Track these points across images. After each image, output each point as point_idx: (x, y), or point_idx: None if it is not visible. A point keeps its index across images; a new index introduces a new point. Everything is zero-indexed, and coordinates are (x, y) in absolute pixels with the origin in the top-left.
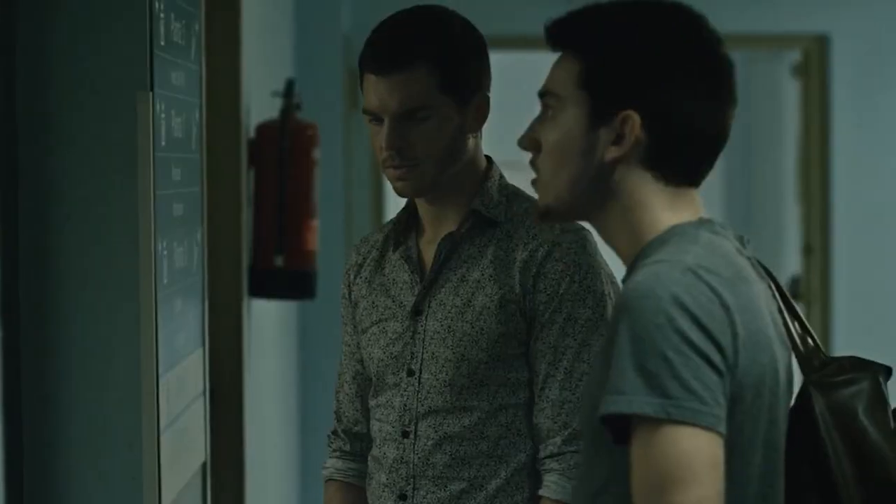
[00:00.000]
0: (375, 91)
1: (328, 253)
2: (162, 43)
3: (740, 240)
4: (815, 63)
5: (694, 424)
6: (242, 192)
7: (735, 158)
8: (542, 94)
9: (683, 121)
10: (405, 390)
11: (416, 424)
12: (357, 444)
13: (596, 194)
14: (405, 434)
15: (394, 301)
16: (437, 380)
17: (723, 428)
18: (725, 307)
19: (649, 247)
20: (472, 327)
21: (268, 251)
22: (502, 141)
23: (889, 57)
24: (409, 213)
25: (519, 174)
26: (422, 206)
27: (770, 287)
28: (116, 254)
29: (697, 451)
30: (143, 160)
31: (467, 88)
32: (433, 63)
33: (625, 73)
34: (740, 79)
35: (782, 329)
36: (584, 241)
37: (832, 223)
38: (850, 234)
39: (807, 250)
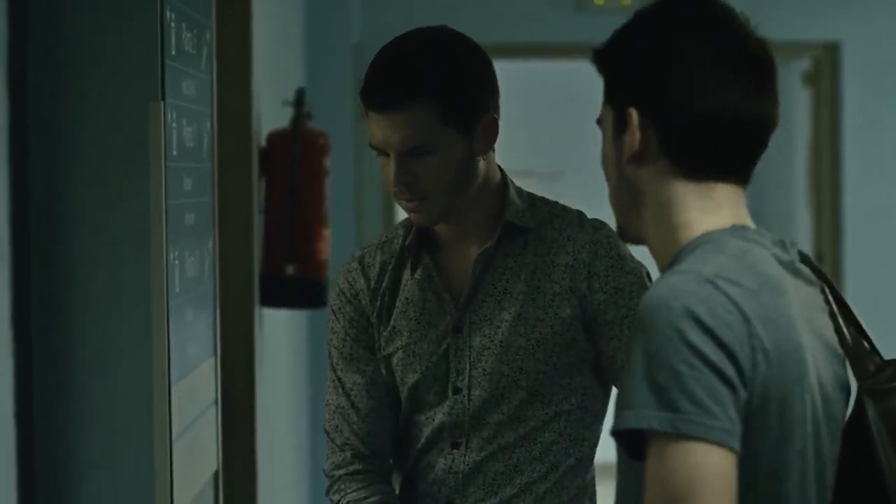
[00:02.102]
0: (378, 128)
1: (339, 262)
2: (173, 52)
3: (781, 244)
4: (825, 71)
5: (703, 439)
6: (253, 201)
7: None
8: (598, 122)
9: (685, 107)
10: (452, 407)
11: (467, 437)
12: (387, 462)
13: (632, 202)
14: (455, 445)
15: (419, 322)
16: (493, 395)
17: (735, 443)
18: (745, 319)
19: (679, 255)
20: (528, 340)
21: (279, 260)
22: (515, 150)
23: None
24: (418, 235)
25: (530, 180)
26: (441, 227)
27: (824, 291)
28: (128, 263)
29: (706, 467)
30: (154, 170)
31: (471, 116)
32: (434, 98)
33: (623, 72)
34: None
35: (831, 335)
36: (616, 235)
37: (843, 231)
38: (860, 241)
39: (818, 258)
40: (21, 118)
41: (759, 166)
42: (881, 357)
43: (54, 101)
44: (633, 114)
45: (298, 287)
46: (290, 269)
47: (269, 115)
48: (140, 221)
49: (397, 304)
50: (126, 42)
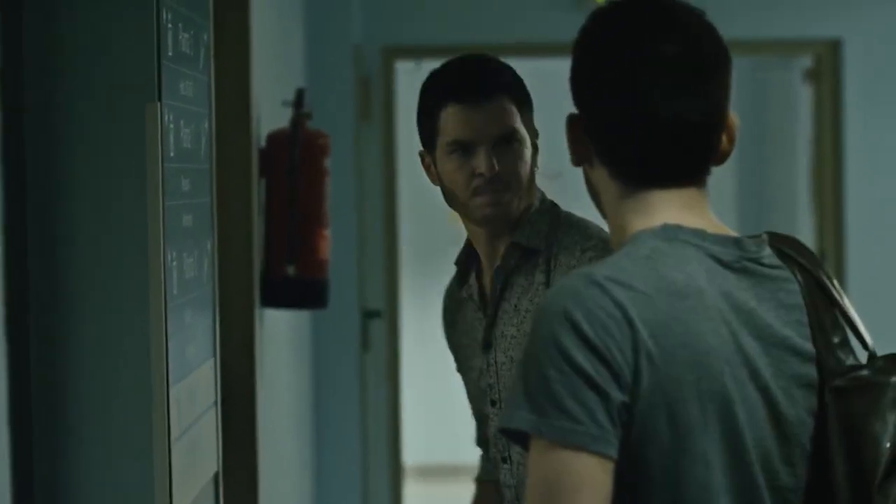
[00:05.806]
0: (469, 121)
1: (340, 262)
2: (170, 53)
3: (732, 242)
4: (827, 68)
5: (563, 444)
6: (253, 201)
7: (748, 165)
8: None
9: (599, 115)
10: (493, 421)
11: (509, 451)
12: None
13: (595, 201)
14: (504, 460)
15: (472, 339)
16: None
17: (603, 447)
18: (629, 322)
19: None
20: None
21: (279, 260)
22: None
23: None
24: (467, 253)
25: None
26: (480, 244)
27: (801, 284)
28: (125, 265)
29: (567, 471)
30: (151, 171)
31: (532, 124)
32: (513, 96)
33: (571, 80)
34: (751, 86)
35: (789, 333)
36: None
37: (845, 229)
38: (863, 239)
39: (820, 256)
40: (17, 119)
41: (761, 165)
42: (871, 350)
43: (50, 102)
44: (568, 118)
45: (299, 288)
46: (290, 270)
47: (269, 115)
48: (137, 223)
49: (459, 321)
50: (122, 43)
